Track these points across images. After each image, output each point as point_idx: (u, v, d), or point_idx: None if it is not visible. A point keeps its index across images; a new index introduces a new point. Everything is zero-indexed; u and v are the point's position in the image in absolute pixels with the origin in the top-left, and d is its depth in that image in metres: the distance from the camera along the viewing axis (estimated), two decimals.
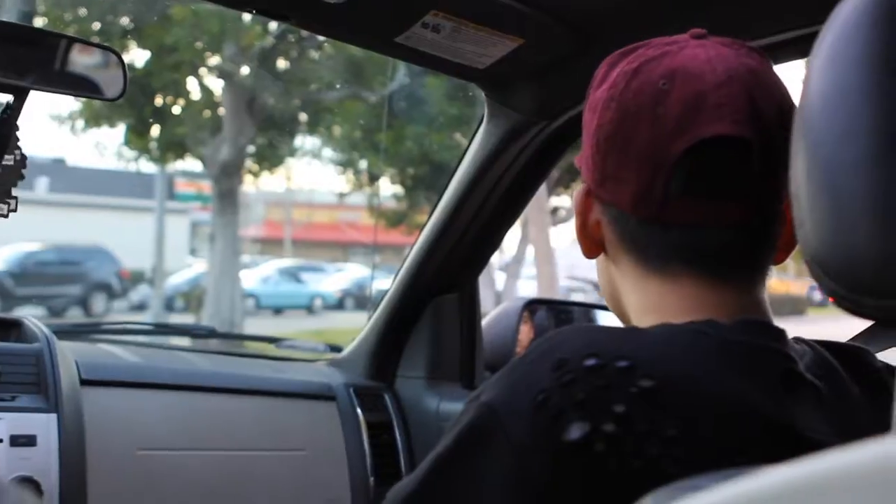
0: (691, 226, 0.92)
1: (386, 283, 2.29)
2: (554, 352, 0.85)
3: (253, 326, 15.24)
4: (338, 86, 12.70)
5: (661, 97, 0.90)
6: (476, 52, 1.65)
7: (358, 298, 23.10)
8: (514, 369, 0.87)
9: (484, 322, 2.24)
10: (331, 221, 32.05)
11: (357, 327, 2.38)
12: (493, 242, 2.15)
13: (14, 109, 1.37)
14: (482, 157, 1.95)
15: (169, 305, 17.89)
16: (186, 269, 21.88)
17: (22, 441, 1.65)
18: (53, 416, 1.70)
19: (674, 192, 0.90)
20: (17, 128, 1.38)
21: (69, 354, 1.84)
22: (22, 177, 1.36)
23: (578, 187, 1.02)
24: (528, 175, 1.99)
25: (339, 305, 22.82)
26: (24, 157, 1.36)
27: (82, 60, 1.49)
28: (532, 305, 2.33)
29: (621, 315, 1.04)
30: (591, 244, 1.02)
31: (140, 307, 19.00)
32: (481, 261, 2.18)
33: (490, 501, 0.81)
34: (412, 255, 2.14)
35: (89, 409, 1.78)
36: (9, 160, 1.34)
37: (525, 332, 2.30)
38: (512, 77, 1.78)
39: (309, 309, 22.00)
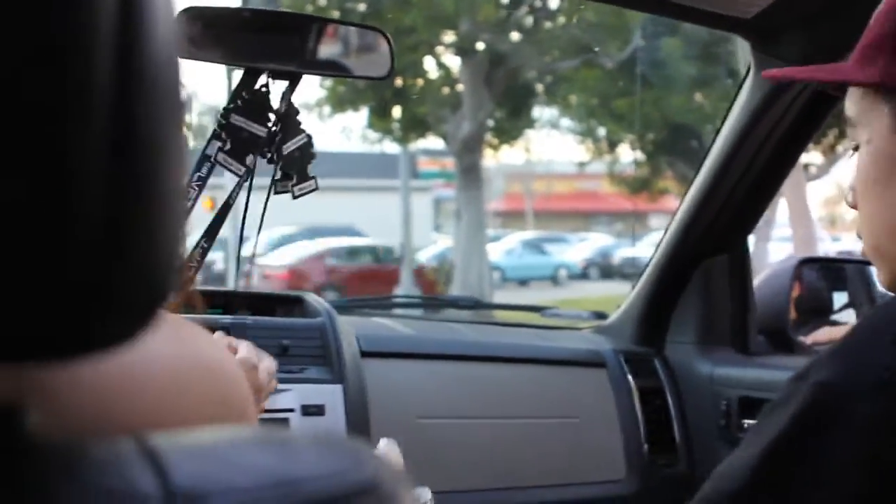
0: None
1: (630, 251, 2.25)
2: (891, 325, 0.79)
3: (500, 298, 15.41)
4: (580, 53, 12.58)
5: None
6: (742, 2, 1.59)
7: (602, 267, 22.97)
8: (847, 347, 0.82)
9: (754, 283, 2.17)
10: (571, 191, 31.98)
11: (604, 296, 2.36)
12: (763, 201, 2.08)
13: (290, 93, 1.42)
14: (749, 113, 1.88)
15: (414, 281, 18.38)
16: (432, 246, 22.41)
17: (312, 410, 1.72)
18: (339, 387, 1.77)
19: None
20: (297, 111, 1.44)
21: (349, 328, 1.91)
22: (314, 155, 1.42)
23: (856, 93, 0.93)
24: (798, 129, 1.91)
25: (583, 275, 22.77)
26: (309, 136, 1.41)
27: (350, 42, 1.53)
28: (804, 265, 2.24)
29: None
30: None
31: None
32: (751, 220, 2.11)
33: (834, 484, 0.77)
34: (678, 217, 2.09)
35: (370, 380, 1.84)
36: (300, 140, 1.40)
37: (796, 293, 2.21)
38: (780, 26, 1.70)
39: (553, 280, 22.07)
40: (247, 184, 1.40)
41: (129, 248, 0.35)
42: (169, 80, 0.37)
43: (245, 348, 1.16)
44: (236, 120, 1.40)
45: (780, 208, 13.86)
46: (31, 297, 0.34)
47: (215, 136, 1.36)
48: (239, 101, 1.40)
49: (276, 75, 1.42)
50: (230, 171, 1.39)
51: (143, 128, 0.35)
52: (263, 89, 1.41)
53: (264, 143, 1.37)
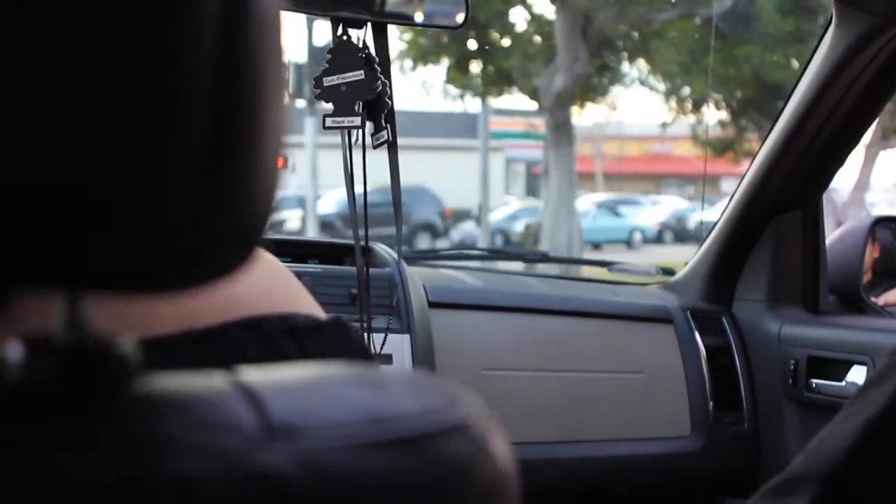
0: None
1: (707, 215, 2.21)
2: None
3: None
4: (672, 2, 12.10)
5: None
6: None
7: (676, 231, 22.69)
8: None
9: (827, 242, 2.13)
10: (641, 153, 31.48)
11: (678, 261, 2.32)
12: (840, 158, 2.03)
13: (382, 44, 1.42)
14: (829, 66, 1.83)
15: (492, 242, 18.28)
16: (504, 207, 22.29)
17: (380, 360, 1.74)
18: (406, 337, 1.78)
19: None
20: (375, 59, 1.42)
21: (417, 278, 1.92)
22: (388, 104, 1.41)
23: None
24: (880, 83, 1.86)
25: (657, 239, 22.50)
26: (385, 83, 1.40)
27: None
28: (879, 224, 2.20)
29: None
30: None
31: (462, 245, 19.52)
32: (826, 177, 2.06)
33: None
34: (751, 171, 2.06)
35: (437, 331, 1.85)
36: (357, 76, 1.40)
37: (870, 253, 2.17)
38: None
39: (628, 243, 21.82)
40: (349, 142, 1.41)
41: (229, 182, 0.37)
42: (273, 15, 0.38)
43: None
44: (329, 81, 1.40)
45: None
46: (133, 230, 0.35)
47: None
48: (327, 63, 1.39)
49: (350, 24, 1.42)
50: (345, 128, 1.39)
51: (247, 56, 0.36)
52: (343, 39, 1.41)
53: (367, 85, 1.36)
